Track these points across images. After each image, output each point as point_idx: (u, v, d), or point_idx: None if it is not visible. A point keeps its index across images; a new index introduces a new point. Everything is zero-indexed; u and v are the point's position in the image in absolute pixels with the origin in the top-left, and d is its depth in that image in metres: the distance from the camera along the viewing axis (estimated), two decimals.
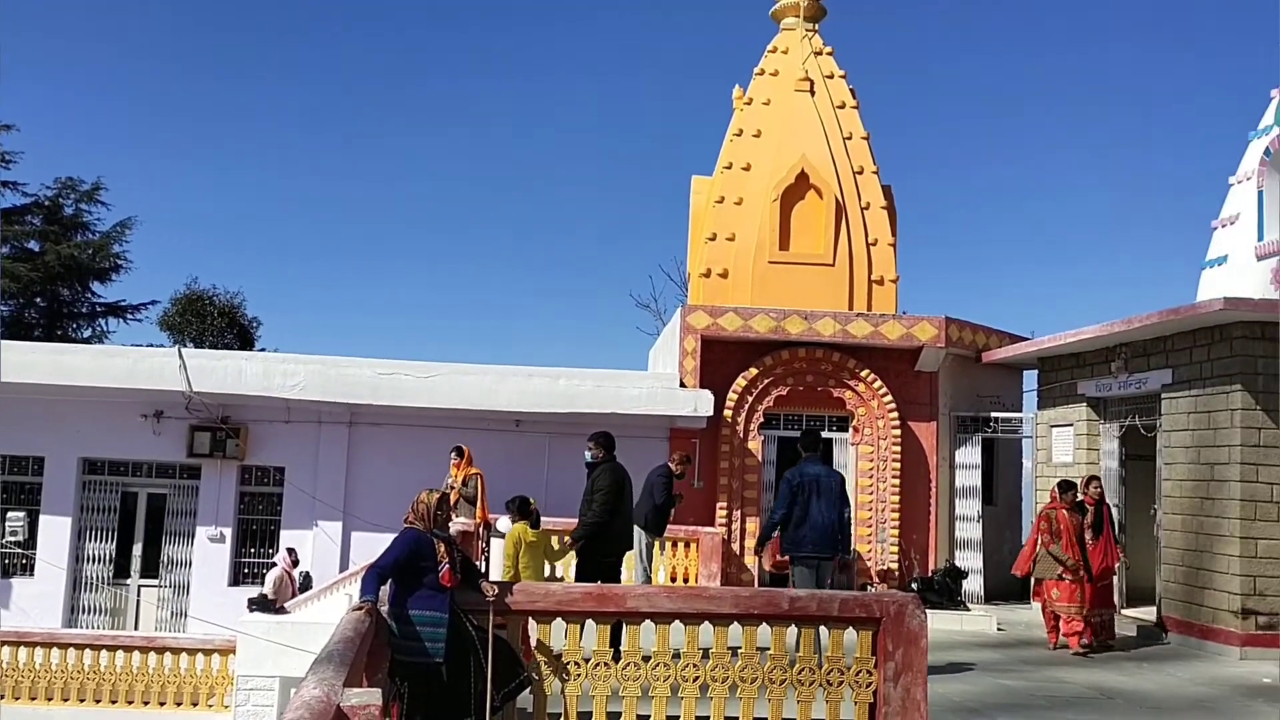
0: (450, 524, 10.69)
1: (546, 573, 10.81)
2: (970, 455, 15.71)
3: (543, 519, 9.83)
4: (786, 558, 9.47)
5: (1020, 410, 16.60)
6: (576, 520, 9.29)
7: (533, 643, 6.67)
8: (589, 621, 6.68)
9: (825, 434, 15.58)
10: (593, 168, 79.53)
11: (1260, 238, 14.33)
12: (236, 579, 15.76)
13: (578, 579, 9.18)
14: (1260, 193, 14.38)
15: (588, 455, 9.29)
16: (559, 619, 6.70)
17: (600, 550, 9.00)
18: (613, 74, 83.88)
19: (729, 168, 16.58)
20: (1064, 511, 11.22)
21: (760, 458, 15.27)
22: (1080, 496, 11.58)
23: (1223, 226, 15.34)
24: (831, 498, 8.94)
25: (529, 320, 69.82)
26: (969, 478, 15.66)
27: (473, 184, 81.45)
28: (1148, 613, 12.88)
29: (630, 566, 13.63)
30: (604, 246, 71.62)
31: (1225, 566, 11.29)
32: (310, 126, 79.45)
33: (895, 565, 14.93)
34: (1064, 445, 14.91)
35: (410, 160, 77.92)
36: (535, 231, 74.42)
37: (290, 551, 15.06)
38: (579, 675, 6.59)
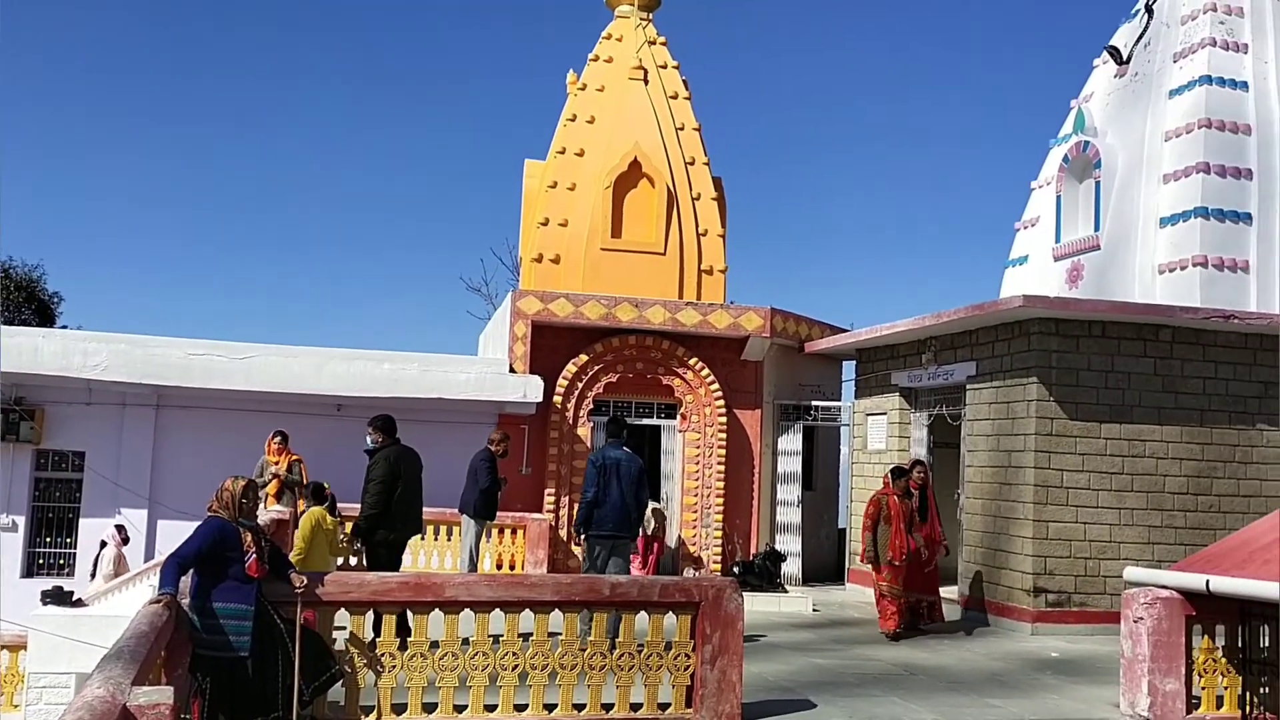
0: (263, 512, 10.32)
1: (340, 563, 10.59)
2: (792, 442, 16.20)
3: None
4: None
5: (839, 399, 17.22)
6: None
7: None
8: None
9: (654, 421, 15.79)
10: (423, 148, 77.95)
11: (1058, 240, 15.31)
12: (30, 570, 14.75)
13: (370, 568, 9.00)
14: (1059, 197, 15.35)
15: (368, 441, 9.17)
16: (373, 610, 6.53)
17: (382, 538, 8.90)
18: (445, 55, 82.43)
19: (562, 153, 16.52)
20: (895, 497, 11.35)
21: (590, 444, 15.32)
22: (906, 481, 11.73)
23: (1025, 228, 16.30)
24: (630, 481, 9.43)
25: (356, 304, 67.97)
26: (790, 464, 16.14)
27: (298, 165, 78.64)
28: (952, 592, 13.59)
29: (416, 553, 13.51)
30: (434, 229, 70.39)
31: (1020, 548, 12.01)
32: (138, 106, 74.95)
33: (720, 549, 15.26)
34: (878, 433, 15.55)
35: (231, 138, 74.50)
36: (365, 213, 72.46)
37: (120, 529, 14.22)
38: (394, 667, 6.45)
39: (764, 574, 13.72)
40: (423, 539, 12.99)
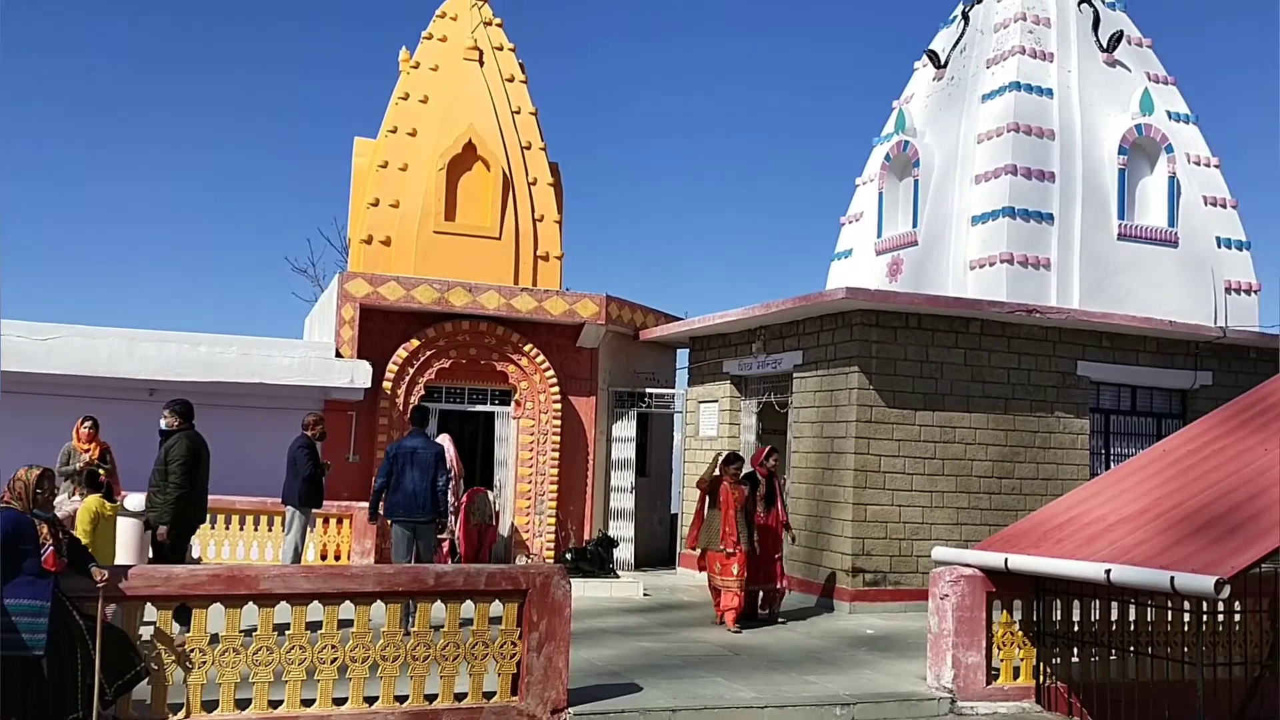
0: (66, 503, 9.71)
1: (129, 556, 10.13)
2: (626, 429, 16.34)
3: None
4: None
5: (673, 387, 17.47)
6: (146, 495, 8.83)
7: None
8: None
9: (487, 408, 15.65)
10: (248, 121, 74.71)
11: (880, 235, 15.93)
12: None
13: (155, 559, 8.64)
14: (881, 194, 15.97)
15: (163, 423, 8.92)
16: (183, 604, 6.25)
17: (173, 523, 8.60)
18: (272, 27, 79.18)
19: (394, 132, 16.13)
20: (728, 483, 11.08)
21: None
22: (743, 469, 11.51)
23: (850, 223, 16.89)
24: (425, 468, 9.99)
25: (175, 286, 64.62)
26: (624, 451, 16.29)
27: (115, 142, 74.11)
28: None
29: (234, 544, 13.06)
30: (259, 207, 67.58)
31: (840, 530, 12.48)
32: None
33: (553, 536, 15.27)
34: (710, 420, 15.87)
35: (47, 115, 69.53)
36: (185, 192, 68.94)
37: None
38: (204, 663, 6.19)
39: (596, 560, 13.82)
40: (213, 528, 12.75)
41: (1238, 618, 8.17)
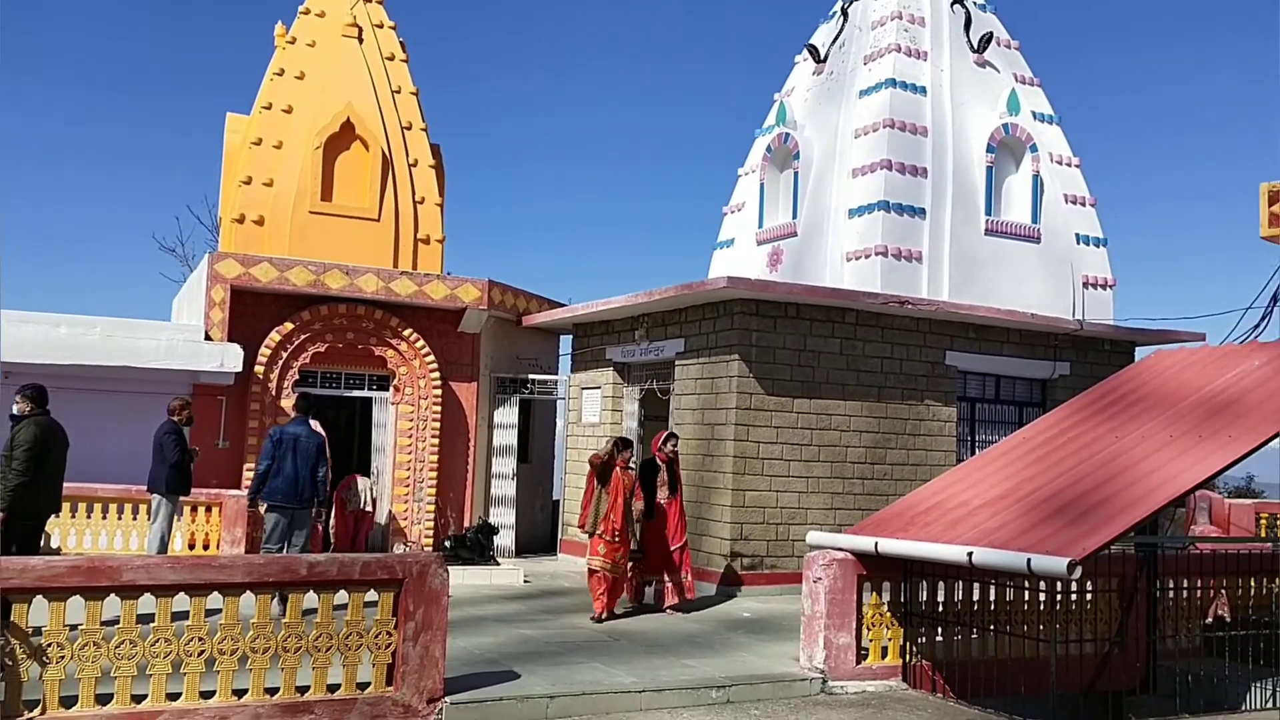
0: None
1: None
2: (508, 415, 16.24)
3: None
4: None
5: (556, 373, 17.44)
6: None
7: None
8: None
9: (365, 393, 15.35)
10: (115, 93, 71.48)
11: (761, 225, 16.17)
12: None
13: (3, 549, 8.22)
14: (762, 185, 16.20)
15: (14, 409, 8.54)
16: (40, 596, 5.98)
17: (22, 512, 8.21)
18: None
19: (268, 108, 15.64)
20: (618, 468, 10.69)
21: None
22: (633, 455, 11.10)
23: (732, 213, 17.10)
24: (307, 456, 10.20)
25: (36, 264, 61.50)
26: (506, 437, 16.19)
27: None
28: None
29: (96, 534, 12.56)
30: (126, 182, 64.76)
31: (719, 515, 12.67)
32: None
33: (433, 523, 15.09)
34: (592, 406, 15.90)
35: None
36: (47, 164, 65.55)
37: None
38: (62, 657, 5.93)
39: (476, 547, 13.72)
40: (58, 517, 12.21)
41: (1089, 597, 8.60)
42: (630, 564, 10.83)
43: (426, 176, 16.17)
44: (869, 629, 8.30)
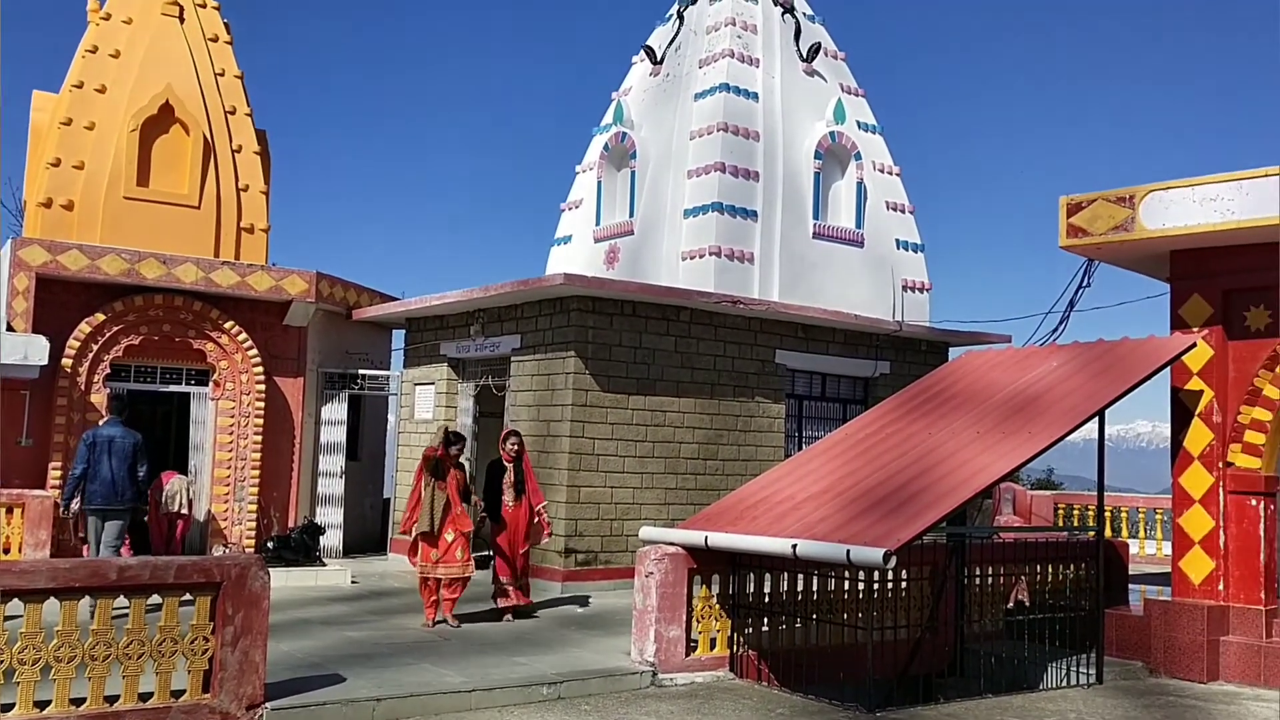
0: None
1: None
2: (336, 411, 15.81)
3: None
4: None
5: (388, 368, 17.08)
6: None
7: None
8: None
9: (183, 388, 14.66)
10: None
11: (598, 222, 16.27)
12: None
13: None
14: (599, 183, 16.30)
15: None
16: None
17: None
18: None
19: (80, 87, 14.72)
20: (450, 465, 10.09)
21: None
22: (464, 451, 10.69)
23: (570, 210, 17.14)
24: (124, 456, 10.06)
25: None
26: (334, 434, 15.76)
27: None
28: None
29: None
30: None
31: (554, 512, 12.65)
32: None
33: (255, 524, 14.54)
34: (426, 402, 15.65)
35: None
36: None
37: None
38: None
39: (301, 548, 13.29)
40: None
41: (904, 585, 9.03)
42: (473, 569, 10.08)
43: (251, 163, 15.55)
44: (699, 621, 8.48)
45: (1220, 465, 9.36)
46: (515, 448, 10.61)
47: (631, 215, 15.66)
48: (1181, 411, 9.61)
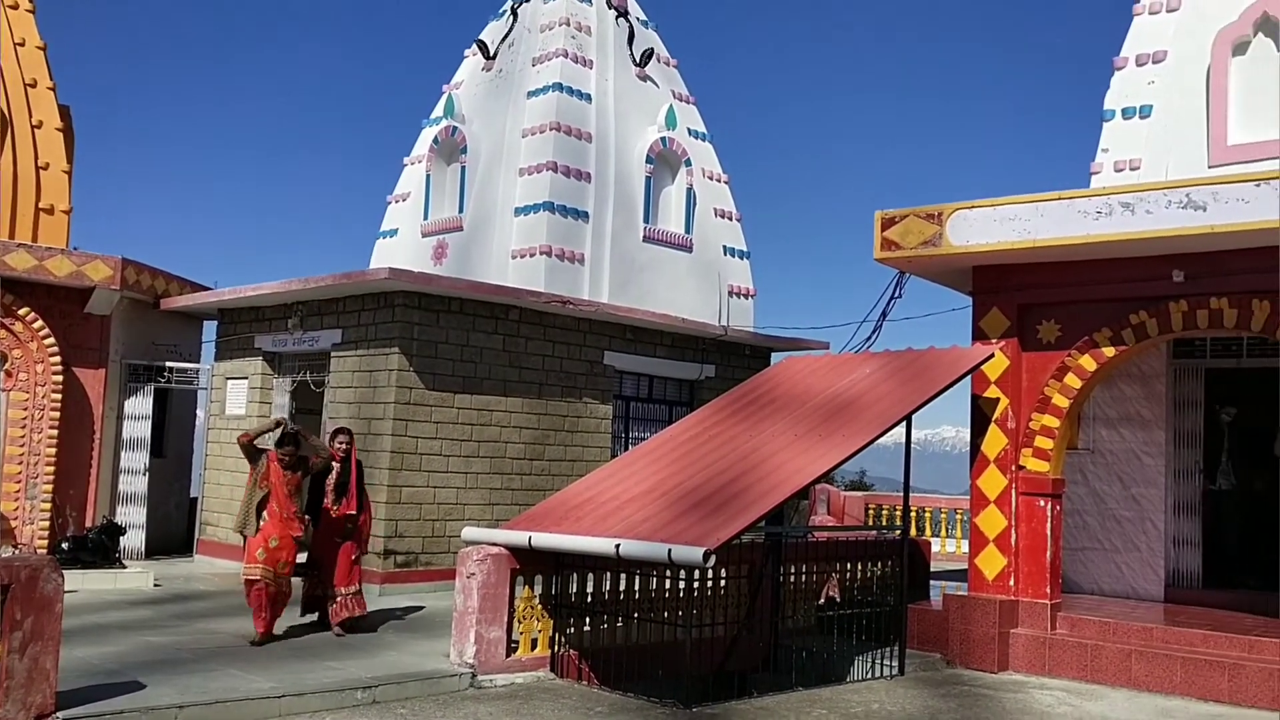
0: None
1: None
2: (141, 405, 14.97)
3: None
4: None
5: (198, 361, 16.29)
6: None
7: None
8: None
9: None
10: None
11: (426, 217, 16.00)
12: None
13: None
14: (428, 176, 16.04)
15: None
16: None
17: None
18: None
19: None
20: (277, 462, 9.32)
21: None
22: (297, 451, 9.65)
23: (396, 202, 16.79)
24: None
25: None
26: (138, 429, 14.91)
27: None
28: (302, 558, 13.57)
29: None
30: None
31: (375, 513, 12.36)
32: None
33: (48, 524, 13.60)
34: (238, 398, 15.02)
35: None
36: None
37: None
38: None
39: (99, 549, 12.51)
40: None
41: (723, 583, 9.25)
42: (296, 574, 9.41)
43: (52, 140, 14.55)
44: (520, 622, 8.45)
45: (1013, 468, 9.99)
46: (344, 445, 9.84)
47: (461, 211, 15.46)
48: (980, 418, 10.21)
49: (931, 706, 8.11)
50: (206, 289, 15.89)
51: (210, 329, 16.20)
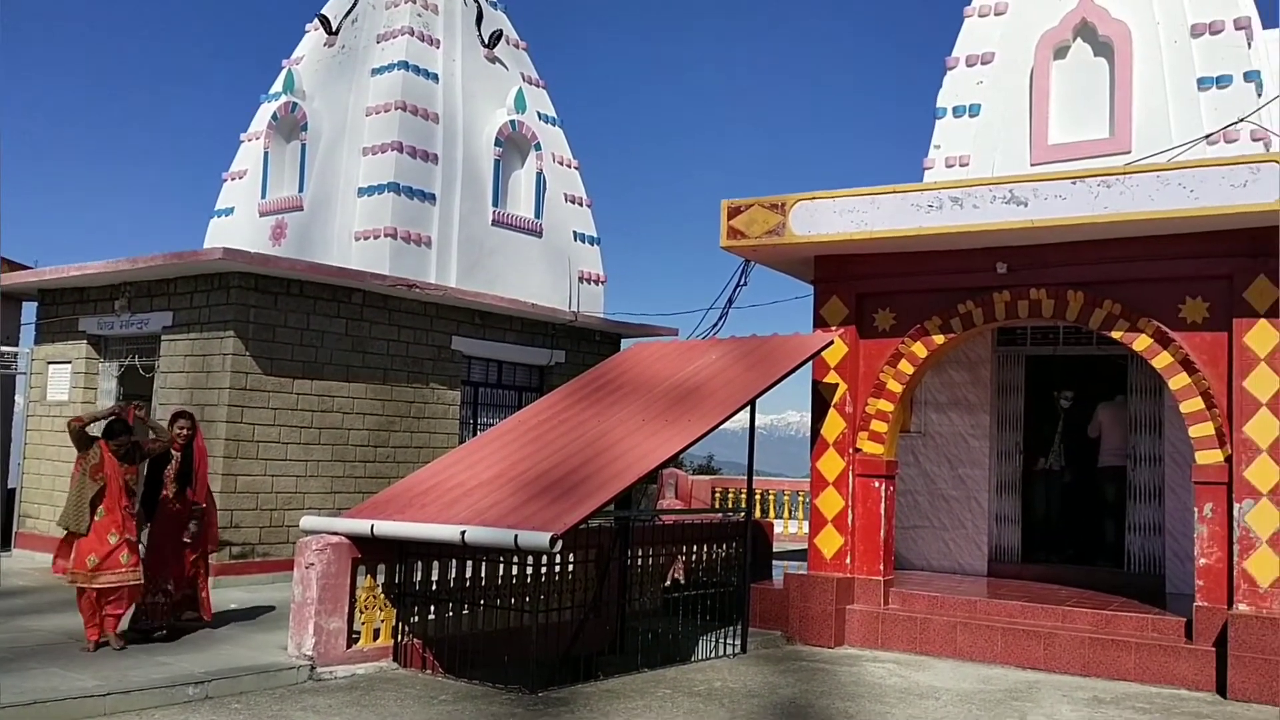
0: None
1: None
2: None
3: None
4: None
5: (16, 344, 15.29)
6: None
7: None
8: None
9: None
10: None
11: (265, 196, 15.43)
12: None
13: None
14: (267, 154, 15.46)
15: None
16: None
17: None
18: None
19: None
20: (109, 451, 8.44)
21: None
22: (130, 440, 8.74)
23: (232, 180, 16.14)
24: None
25: None
26: None
27: None
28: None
29: None
30: None
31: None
32: None
33: None
34: (61, 383, 14.20)
35: None
36: None
37: None
38: None
39: None
40: None
41: (571, 568, 9.28)
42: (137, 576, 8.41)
43: None
44: (362, 612, 8.28)
45: (851, 451, 10.36)
46: (185, 431, 9.00)
47: (301, 190, 14.97)
48: (820, 403, 10.54)
49: (771, 682, 8.36)
50: (26, 268, 14.93)
51: (30, 310, 15.25)
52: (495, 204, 15.49)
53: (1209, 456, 8.87)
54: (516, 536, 7.27)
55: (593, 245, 17.08)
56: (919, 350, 10.21)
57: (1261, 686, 8.10)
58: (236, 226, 15.52)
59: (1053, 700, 8.03)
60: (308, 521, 8.78)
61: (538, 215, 16.04)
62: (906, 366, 10.25)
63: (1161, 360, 9.18)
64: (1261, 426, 8.60)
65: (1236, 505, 8.63)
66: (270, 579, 11.98)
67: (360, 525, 8.22)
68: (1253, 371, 8.69)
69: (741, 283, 12.49)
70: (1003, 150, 11.34)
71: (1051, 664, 9.07)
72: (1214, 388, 8.87)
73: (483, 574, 8.75)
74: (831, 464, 10.41)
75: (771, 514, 18.81)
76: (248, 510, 12.11)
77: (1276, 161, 8.21)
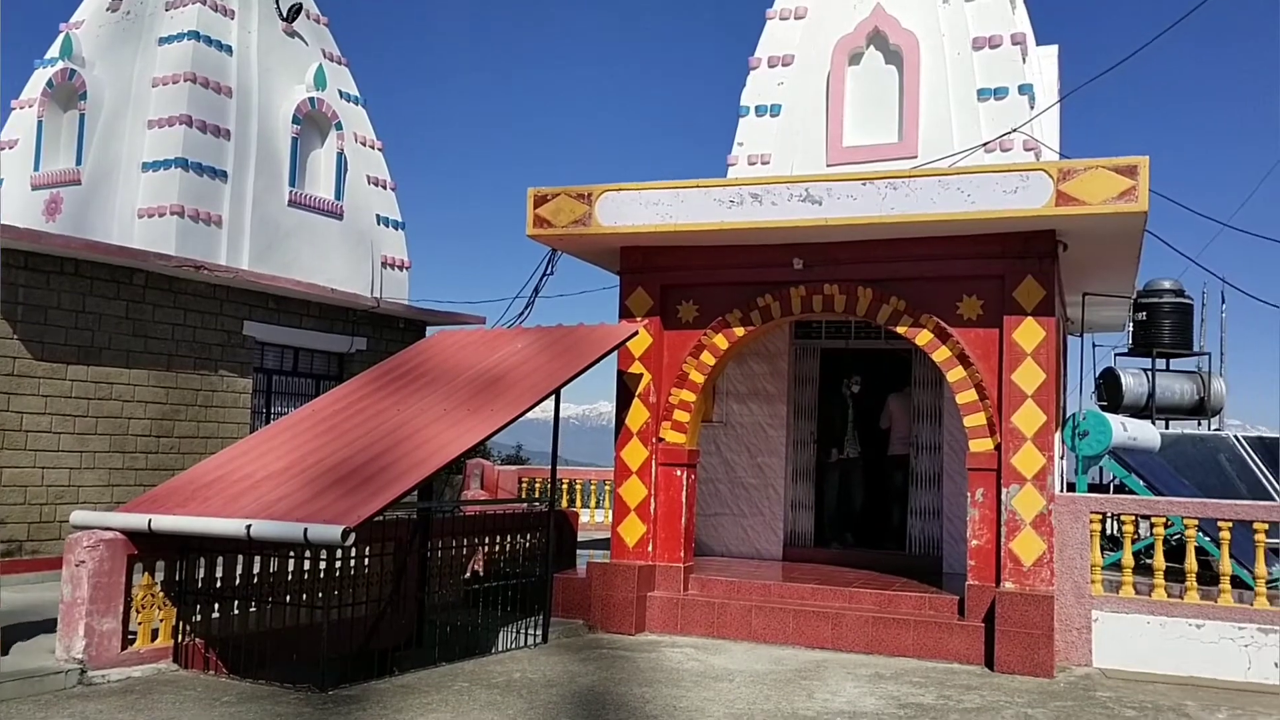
0: None
1: None
2: None
3: None
4: None
5: None
6: None
7: None
8: None
9: None
10: None
11: (38, 168, 14.33)
12: None
13: None
14: (40, 123, 14.36)
15: None
16: None
17: None
18: None
19: None
20: None
21: None
22: None
23: (2, 149, 14.90)
24: None
25: None
26: None
27: None
28: None
29: None
30: None
31: None
32: None
33: None
34: None
35: None
36: None
37: None
38: None
39: None
40: None
41: (367, 561, 9.03)
42: None
43: None
44: (139, 611, 7.80)
45: (654, 440, 10.51)
46: None
47: (79, 163, 13.96)
48: (625, 392, 10.65)
49: (571, 670, 8.39)
50: None
51: None
52: (293, 184, 14.88)
53: (981, 445, 9.47)
54: (306, 530, 7.02)
55: (397, 229, 16.68)
56: (720, 342, 10.46)
57: (1024, 658, 8.72)
58: (6, 200, 14.33)
59: (838, 678, 8.39)
60: (78, 516, 8.20)
61: (338, 197, 15.53)
62: (708, 358, 10.48)
63: (941, 354, 9.72)
64: (1027, 417, 9.24)
65: (1004, 490, 9.25)
66: (40, 578, 11.14)
67: (137, 520, 7.73)
68: (1020, 366, 9.32)
69: (548, 272, 12.50)
70: (802, 150, 11.74)
71: (839, 643, 9.48)
72: (986, 380, 9.47)
73: (272, 569, 8.40)
74: (635, 453, 10.54)
75: (579, 503, 18.87)
76: (15, 505, 11.22)
77: (1045, 170, 8.82)
